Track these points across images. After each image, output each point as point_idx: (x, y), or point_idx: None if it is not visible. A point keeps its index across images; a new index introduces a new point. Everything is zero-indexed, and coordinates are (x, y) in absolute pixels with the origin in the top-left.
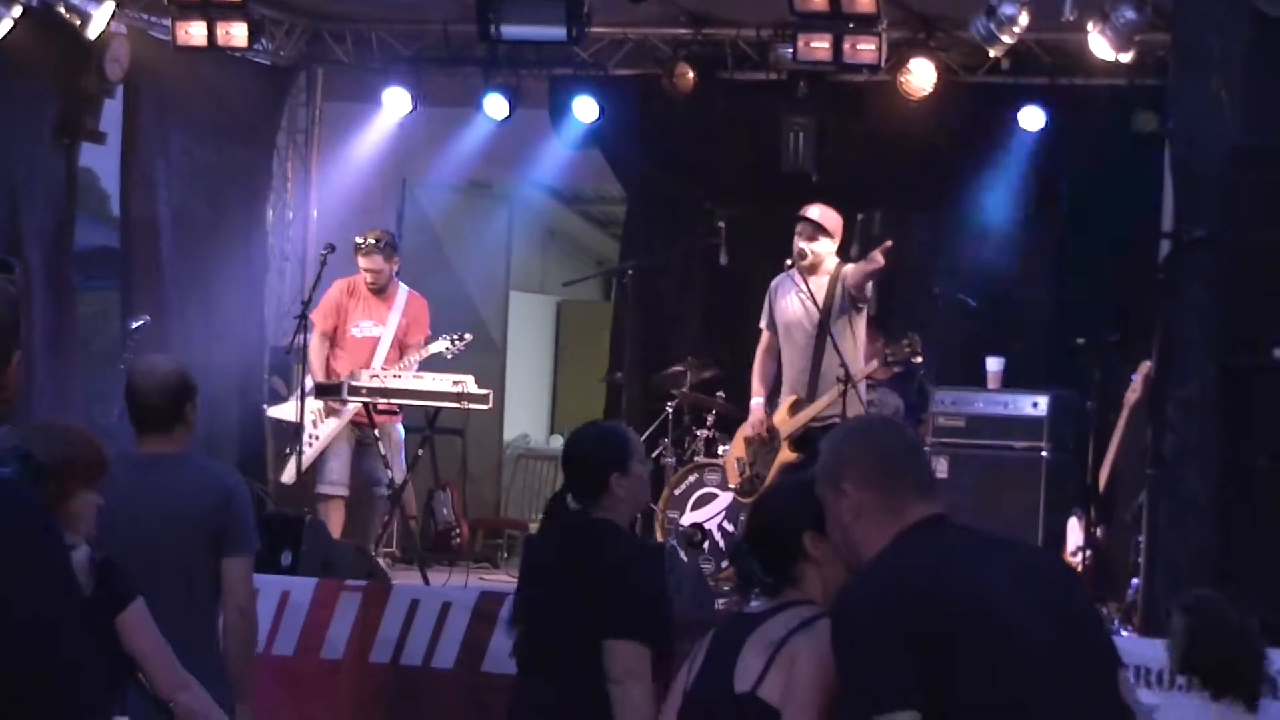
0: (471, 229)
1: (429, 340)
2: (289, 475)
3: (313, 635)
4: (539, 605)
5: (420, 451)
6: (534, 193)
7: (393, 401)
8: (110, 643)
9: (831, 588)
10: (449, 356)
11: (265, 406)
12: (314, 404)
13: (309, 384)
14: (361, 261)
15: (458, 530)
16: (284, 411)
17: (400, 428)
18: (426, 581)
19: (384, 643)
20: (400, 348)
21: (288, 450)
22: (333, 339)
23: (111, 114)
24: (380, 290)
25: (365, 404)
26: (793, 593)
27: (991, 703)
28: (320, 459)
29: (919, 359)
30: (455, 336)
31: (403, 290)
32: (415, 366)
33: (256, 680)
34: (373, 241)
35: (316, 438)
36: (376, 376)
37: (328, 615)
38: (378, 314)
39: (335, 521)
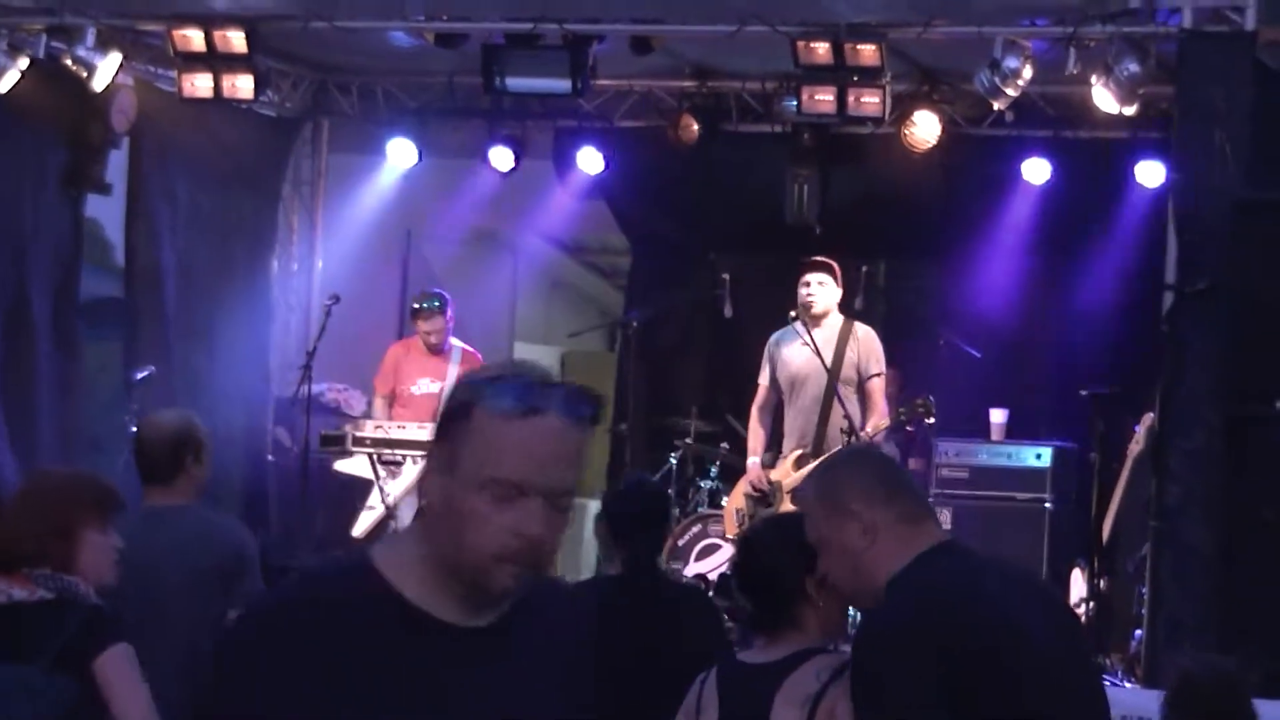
0: (476, 280)
1: None
2: (360, 529)
3: None
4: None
5: (423, 503)
6: (539, 243)
7: (396, 452)
8: (85, 692)
9: (830, 627)
10: None
11: (270, 458)
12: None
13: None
14: (422, 325)
15: None
16: (351, 467)
17: None
18: None
19: None
20: None
21: (358, 504)
22: (392, 400)
23: (117, 164)
24: (437, 349)
25: (370, 455)
26: (795, 635)
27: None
28: (384, 517)
29: (931, 420)
30: None
31: (457, 347)
32: None
33: None
34: (434, 305)
35: (389, 495)
36: (380, 427)
37: None
38: (435, 370)
39: None
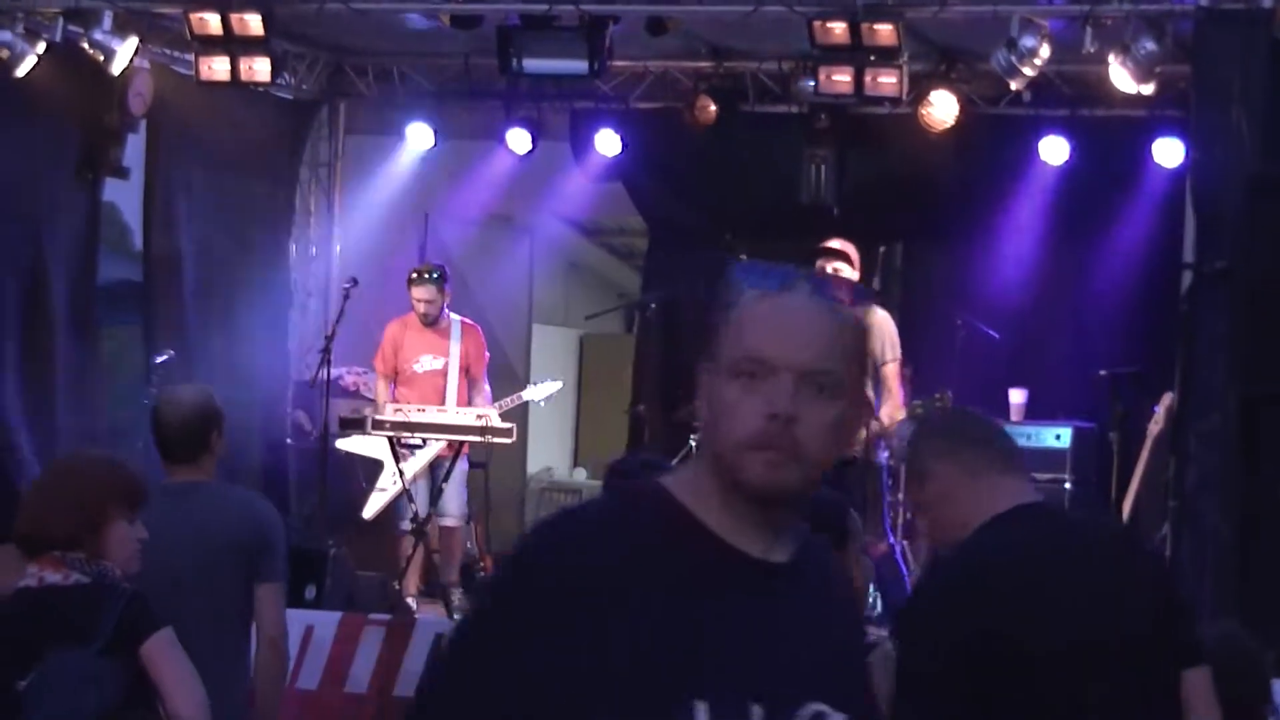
0: (493, 262)
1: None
2: (370, 511)
3: (337, 669)
4: None
5: (443, 485)
6: (556, 225)
7: (416, 435)
8: (133, 673)
9: None
10: (542, 405)
11: (289, 441)
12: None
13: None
14: (415, 291)
15: (481, 564)
16: (357, 445)
17: (466, 462)
18: (451, 615)
19: (408, 676)
20: (467, 378)
21: (365, 485)
22: (395, 379)
23: (134, 149)
24: (433, 322)
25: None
26: None
27: (1040, 704)
28: (406, 493)
29: None
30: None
31: (455, 320)
32: (510, 405)
33: (281, 714)
34: (426, 274)
35: (401, 473)
36: (400, 410)
37: (352, 649)
38: (435, 346)
39: (415, 558)
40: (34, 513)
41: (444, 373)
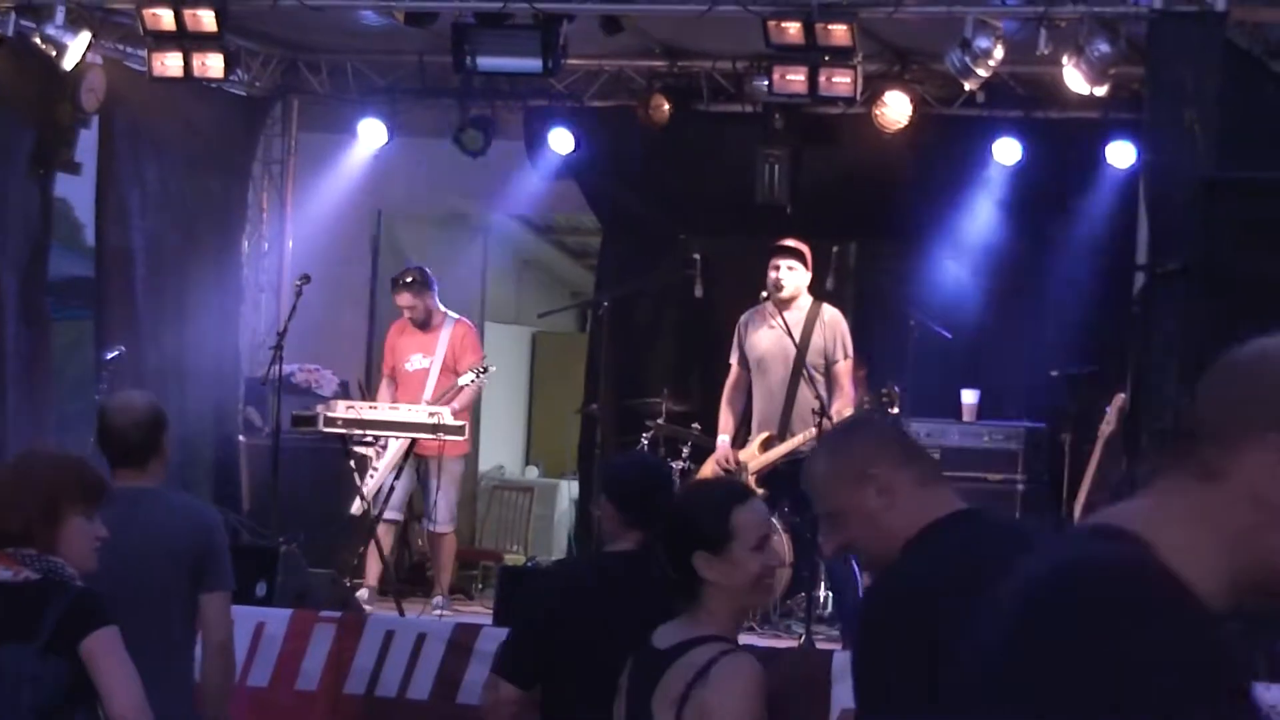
0: (447, 259)
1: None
2: (357, 507)
3: (288, 666)
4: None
5: (435, 485)
6: (509, 223)
7: (369, 433)
8: (74, 672)
9: (733, 608)
10: (477, 383)
11: (241, 438)
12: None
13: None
14: (396, 300)
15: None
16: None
17: (460, 462)
18: (401, 613)
19: (359, 673)
20: (454, 376)
21: (358, 483)
22: (393, 377)
23: (87, 144)
24: (424, 324)
25: (344, 437)
26: (702, 616)
27: None
28: (382, 485)
29: (896, 410)
30: (479, 369)
31: (450, 320)
32: (449, 403)
33: (232, 711)
34: (404, 281)
35: (376, 469)
36: (352, 407)
37: (303, 646)
38: (425, 346)
39: (386, 545)
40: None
41: (429, 372)
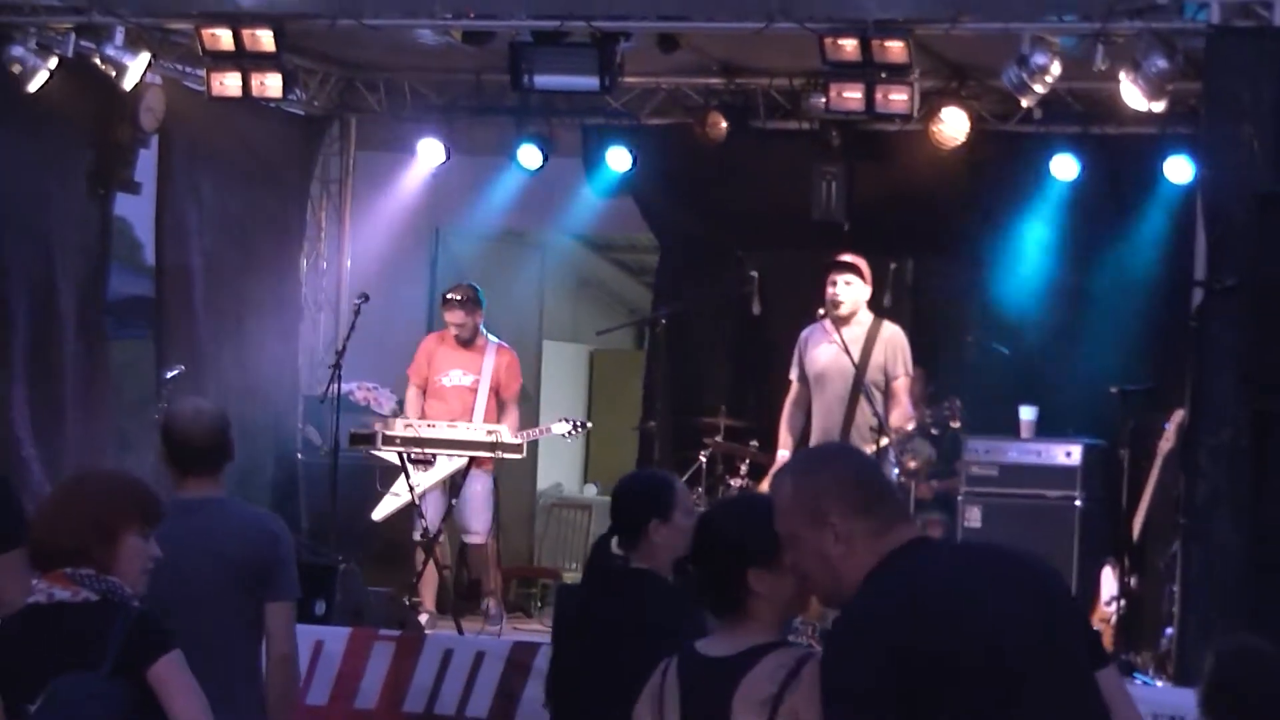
0: (504, 278)
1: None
2: (380, 513)
3: (346, 684)
4: (569, 654)
5: (454, 501)
6: (567, 241)
7: (426, 451)
8: (140, 694)
9: (782, 616)
10: (568, 440)
11: (299, 456)
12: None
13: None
14: (446, 316)
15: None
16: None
17: (489, 480)
18: (460, 631)
19: (418, 692)
20: (497, 399)
21: (380, 488)
22: (425, 390)
23: (146, 164)
24: (468, 343)
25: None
26: (750, 625)
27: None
28: (416, 506)
29: (957, 424)
30: (578, 423)
31: (492, 342)
32: (534, 436)
33: None
34: (455, 297)
35: (415, 486)
36: (410, 426)
37: (361, 664)
38: (468, 363)
39: (429, 577)
40: (46, 525)
41: (474, 389)
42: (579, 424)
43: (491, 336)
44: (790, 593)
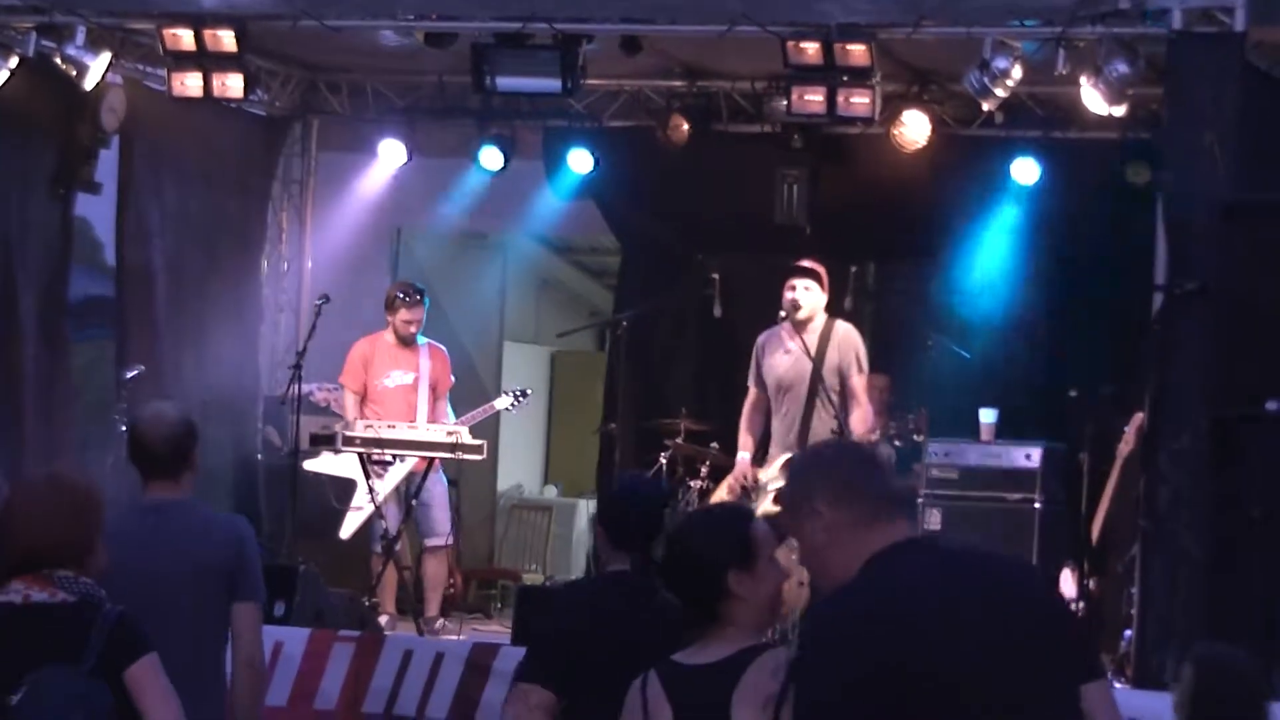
0: (466, 279)
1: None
2: (347, 531)
3: (306, 685)
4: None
5: (414, 502)
6: (528, 243)
7: (386, 452)
8: (118, 694)
9: (761, 619)
10: (513, 412)
11: (260, 457)
12: (350, 459)
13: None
14: (406, 313)
15: (451, 581)
16: (326, 466)
17: (444, 480)
18: (420, 632)
19: (377, 693)
20: (433, 395)
21: (336, 504)
22: (364, 397)
23: (107, 164)
24: (408, 341)
25: (360, 455)
26: (730, 632)
27: None
28: (372, 516)
29: (920, 437)
30: (518, 392)
31: (424, 341)
32: (478, 417)
33: None
34: (411, 296)
35: (373, 492)
36: (371, 426)
37: (321, 665)
38: (407, 363)
39: (390, 579)
40: (27, 528)
41: (415, 388)
42: (520, 393)
43: (421, 336)
44: (768, 594)
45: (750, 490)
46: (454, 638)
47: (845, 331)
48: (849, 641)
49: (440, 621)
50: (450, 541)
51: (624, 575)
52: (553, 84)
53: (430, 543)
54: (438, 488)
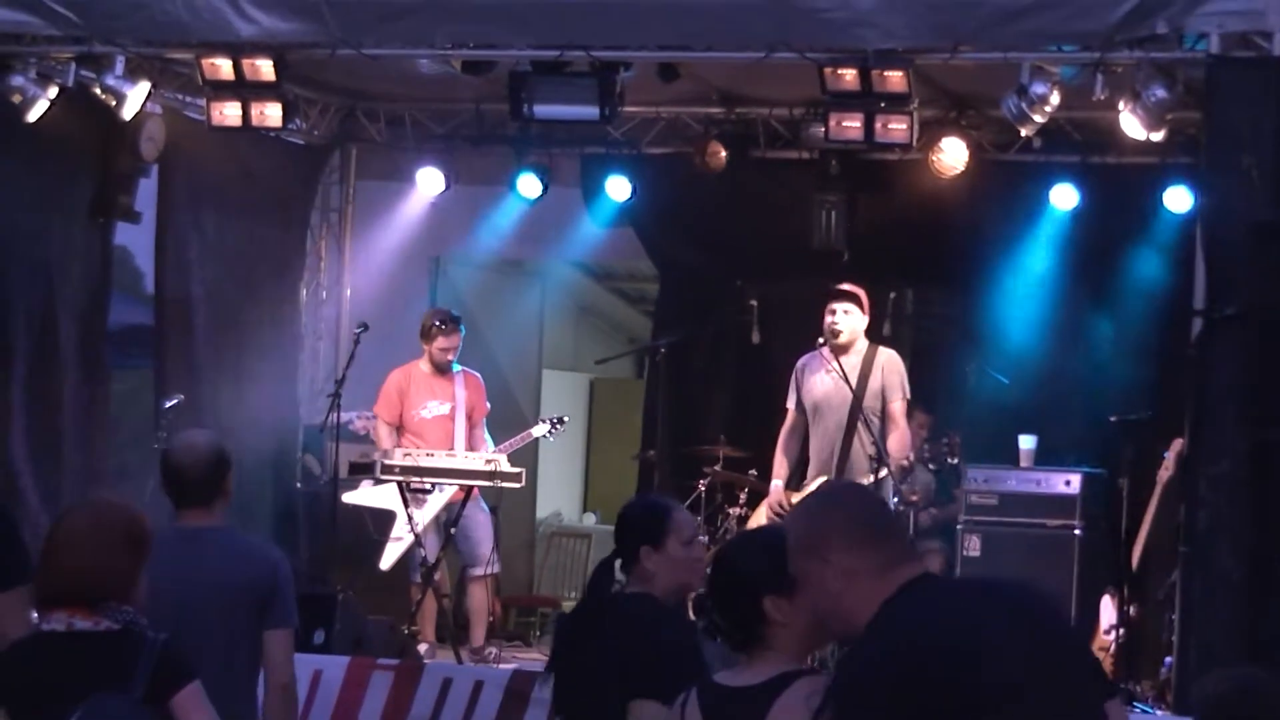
0: (504, 306)
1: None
2: (387, 562)
3: (345, 713)
4: (564, 674)
5: (452, 530)
6: (566, 270)
7: (426, 480)
8: None
9: (803, 645)
10: (550, 439)
11: (299, 486)
12: (389, 490)
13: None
14: (443, 340)
15: (491, 609)
16: (365, 498)
17: (484, 506)
18: (459, 660)
19: None
20: (469, 422)
21: (375, 535)
22: (400, 428)
23: (146, 193)
24: (445, 369)
25: (399, 483)
26: (771, 655)
27: None
28: (412, 545)
29: (955, 460)
30: (555, 420)
31: (458, 370)
32: (515, 445)
33: None
34: (448, 324)
35: (413, 522)
36: (409, 455)
37: (360, 694)
38: (443, 392)
39: (429, 607)
40: (82, 561)
41: (451, 417)
42: (556, 420)
43: (455, 364)
44: (808, 620)
45: (784, 517)
46: (503, 666)
47: (888, 357)
48: (884, 681)
49: (490, 650)
50: (495, 570)
51: (605, 590)
52: (590, 111)
53: (474, 572)
54: (480, 516)
